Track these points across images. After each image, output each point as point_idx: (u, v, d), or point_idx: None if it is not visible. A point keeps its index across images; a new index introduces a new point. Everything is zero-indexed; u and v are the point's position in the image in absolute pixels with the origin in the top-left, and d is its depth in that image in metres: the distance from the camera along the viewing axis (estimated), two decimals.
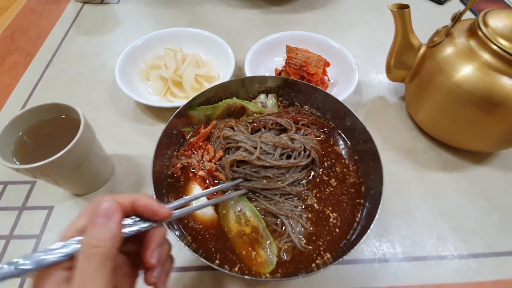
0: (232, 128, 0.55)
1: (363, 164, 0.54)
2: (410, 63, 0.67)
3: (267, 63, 0.80)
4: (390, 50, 0.69)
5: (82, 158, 0.51)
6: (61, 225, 0.56)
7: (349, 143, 0.57)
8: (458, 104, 0.58)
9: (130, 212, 0.31)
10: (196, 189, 0.51)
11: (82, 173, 0.53)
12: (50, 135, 0.52)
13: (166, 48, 0.73)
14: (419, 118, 0.69)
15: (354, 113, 0.54)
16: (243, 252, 0.44)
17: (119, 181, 0.61)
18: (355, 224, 0.47)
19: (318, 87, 0.58)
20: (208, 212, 0.49)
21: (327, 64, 0.72)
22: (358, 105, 0.75)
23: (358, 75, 0.72)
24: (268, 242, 0.45)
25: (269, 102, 0.61)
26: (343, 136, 0.58)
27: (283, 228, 0.47)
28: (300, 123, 0.57)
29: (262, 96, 0.62)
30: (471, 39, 0.58)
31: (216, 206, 0.49)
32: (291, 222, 0.47)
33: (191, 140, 0.57)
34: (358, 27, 0.95)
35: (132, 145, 0.66)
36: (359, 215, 0.48)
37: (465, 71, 0.57)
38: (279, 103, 0.62)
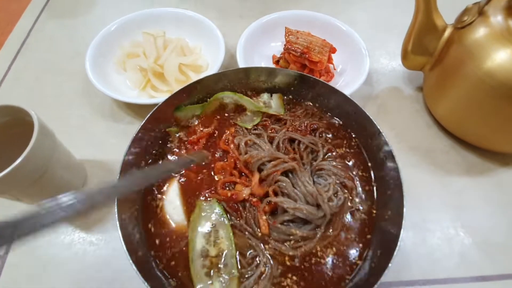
0: (291, 172, 0.42)
1: (379, 190, 0.45)
2: (432, 47, 0.57)
3: (263, 49, 0.69)
4: (408, 32, 0.58)
5: (40, 169, 0.43)
6: (28, 244, 0.49)
7: (369, 164, 0.48)
8: (490, 98, 0.49)
9: None
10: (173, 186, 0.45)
11: (44, 186, 0.45)
12: (1, 144, 0.43)
13: (144, 33, 0.62)
14: (439, 113, 0.59)
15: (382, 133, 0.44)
16: (197, 276, 0.37)
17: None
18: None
19: (337, 89, 0.48)
20: (178, 219, 0.42)
21: (333, 50, 0.62)
22: (369, 97, 0.65)
23: (369, 63, 0.62)
24: (230, 274, 0.37)
25: (273, 102, 0.52)
26: (364, 154, 0.49)
27: (256, 268, 0.38)
28: (318, 132, 0.49)
29: (266, 96, 0.53)
30: (510, 18, 0.47)
31: (189, 212, 0.42)
32: (271, 268, 0.38)
33: (190, 138, 0.49)
34: (368, 5, 0.83)
35: (108, 148, 0.58)
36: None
37: (501, 58, 0.47)
38: (284, 103, 0.53)
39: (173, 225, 0.42)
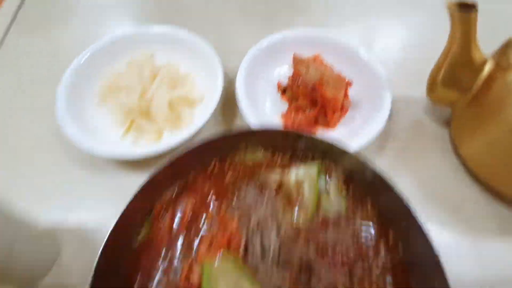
0: None
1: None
2: (467, 83, 0.48)
3: (268, 74, 0.60)
4: (439, 62, 0.50)
5: None
6: None
7: None
8: None
9: None
10: None
11: None
12: None
13: (130, 63, 0.53)
14: (470, 156, 0.51)
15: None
16: None
17: (69, 268, 0.42)
18: None
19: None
20: None
21: (349, 84, 0.53)
22: (385, 133, 0.56)
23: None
24: None
25: (331, 192, 0.35)
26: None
27: None
28: None
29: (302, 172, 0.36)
30: None
31: None
32: None
33: None
34: (381, 22, 0.74)
35: (86, 208, 0.47)
36: None
37: None
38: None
39: None
